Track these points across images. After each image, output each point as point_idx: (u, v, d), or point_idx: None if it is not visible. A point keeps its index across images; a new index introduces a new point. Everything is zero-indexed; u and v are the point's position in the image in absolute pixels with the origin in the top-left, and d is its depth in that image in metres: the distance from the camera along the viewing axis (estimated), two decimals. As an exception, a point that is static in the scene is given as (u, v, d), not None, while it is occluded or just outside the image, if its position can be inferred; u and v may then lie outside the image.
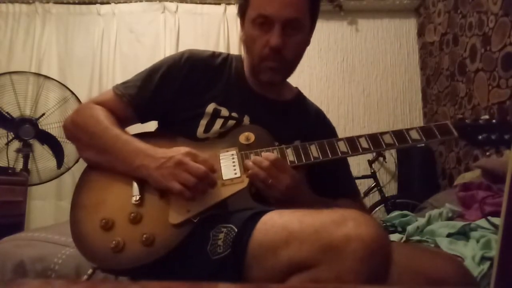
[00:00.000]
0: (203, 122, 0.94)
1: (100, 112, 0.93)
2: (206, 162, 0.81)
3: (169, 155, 0.81)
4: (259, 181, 0.83)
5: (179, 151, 0.81)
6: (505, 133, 0.85)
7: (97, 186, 0.87)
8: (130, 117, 0.98)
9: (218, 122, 0.95)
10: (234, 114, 0.96)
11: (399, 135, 0.89)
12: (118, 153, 0.85)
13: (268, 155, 0.85)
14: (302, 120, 1.07)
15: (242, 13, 0.98)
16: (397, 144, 0.88)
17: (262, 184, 0.83)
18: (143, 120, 1.01)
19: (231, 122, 0.95)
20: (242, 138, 0.93)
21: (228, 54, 1.06)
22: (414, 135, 0.88)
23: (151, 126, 1.06)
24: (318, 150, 0.89)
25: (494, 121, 0.88)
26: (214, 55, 1.03)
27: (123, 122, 0.95)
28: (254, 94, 1.02)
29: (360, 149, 0.88)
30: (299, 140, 0.99)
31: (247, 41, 0.97)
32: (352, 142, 0.89)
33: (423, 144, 0.87)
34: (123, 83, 1.00)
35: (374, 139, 0.89)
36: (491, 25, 2.32)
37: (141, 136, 0.94)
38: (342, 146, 0.89)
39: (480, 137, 0.87)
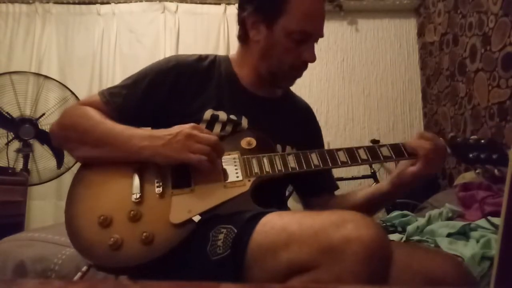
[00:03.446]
0: (202, 126, 0.94)
1: (89, 109, 0.92)
2: (210, 133, 0.84)
3: (176, 131, 0.82)
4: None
5: (185, 126, 0.83)
6: (494, 153, 0.91)
7: (95, 182, 0.86)
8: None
9: (217, 127, 0.95)
10: (232, 117, 0.96)
11: (396, 148, 0.93)
12: (115, 141, 0.85)
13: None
14: (294, 116, 1.10)
15: (268, 18, 0.94)
16: (394, 157, 0.93)
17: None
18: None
19: (229, 126, 0.95)
20: (244, 143, 0.93)
21: (215, 56, 1.06)
22: (410, 149, 0.93)
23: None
24: (319, 158, 0.91)
25: (482, 141, 0.94)
26: (201, 58, 1.02)
27: None
28: (248, 94, 1.03)
29: (359, 160, 0.91)
30: (293, 138, 1.02)
31: (274, 49, 0.96)
32: (351, 153, 0.92)
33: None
34: (109, 89, 0.98)
35: (373, 151, 0.93)
36: (491, 25, 2.32)
37: None
38: (342, 156, 0.92)
39: (470, 155, 0.93)
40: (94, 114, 0.91)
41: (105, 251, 0.74)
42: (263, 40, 0.97)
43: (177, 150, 0.80)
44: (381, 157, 0.92)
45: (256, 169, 0.88)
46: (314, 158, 0.91)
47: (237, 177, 0.86)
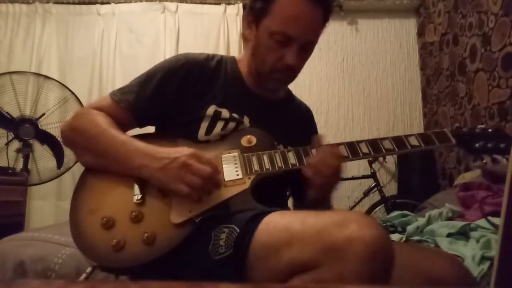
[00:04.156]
0: (204, 125, 0.95)
1: (97, 116, 0.92)
2: (210, 163, 0.81)
3: (173, 156, 0.80)
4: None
5: (183, 152, 0.80)
6: (501, 142, 0.89)
7: (98, 185, 0.87)
8: (129, 122, 0.98)
9: (219, 124, 0.95)
10: (234, 115, 0.97)
11: (399, 141, 0.92)
12: (117, 155, 0.84)
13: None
14: (295, 117, 1.12)
15: (257, 17, 0.97)
16: (396, 150, 0.91)
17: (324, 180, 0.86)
18: (142, 125, 1.01)
19: (232, 124, 0.96)
20: (244, 141, 0.94)
21: (222, 56, 1.07)
22: (413, 141, 0.92)
23: (151, 128, 1.06)
24: None
25: (489, 130, 0.92)
26: (208, 58, 1.04)
27: (121, 127, 0.95)
28: (252, 94, 1.04)
29: (360, 154, 0.90)
30: (294, 139, 1.01)
31: (259, 48, 0.97)
32: (352, 147, 0.91)
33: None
34: (120, 88, 0.99)
35: (374, 144, 0.92)
36: (491, 25, 2.32)
37: (142, 137, 0.94)
38: (343, 151, 0.91)
39: (477, 145, 0.90)
40: (101, 121, 0.90)
41: (108, 252, 0.75)
42: (253, 39, 0.99)
43: (170, 178, 0.79)
44: (383, 150, 0.91)
45: (256, 166, 0.88)
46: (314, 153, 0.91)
47: (237, 175, 0.86)
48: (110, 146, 0.86)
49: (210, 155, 0.90)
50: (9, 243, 1.32)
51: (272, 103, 1.07)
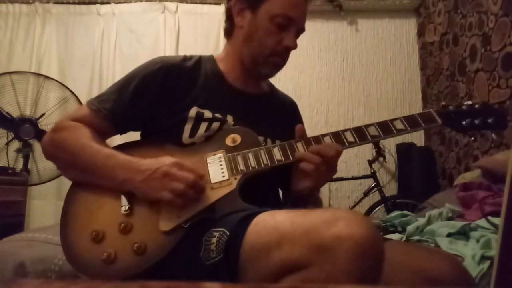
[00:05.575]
0: (188, 127, 0.93)
1: (77, 129, 0.91)
2: (192, 170, 0.81)
3: (155, 167, 0.80)
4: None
5: (164, 162, 0.81)
6: (488, 117, 0.86)
7: (86, 199, 0.86)
8: (108, 131, 0.96)
9: (203, 126, 0.94)
10: (217, 115, 0.96)
11: (384, 126, 0.90)
12: (100, 170, 0.84)
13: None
14: (280, 111, 1.11)
15: (253, 3, 0.98)
16: (382, 135, 0.89)
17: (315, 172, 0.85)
18: (122, 132, 1.00)
19: (215, 124, 0.94)
20: (228, 141, 0.92)
21: (200, 56, 1.06)
22: (399, 125, 0.90)
23: (136, 135, 1.05)
24: (305, 147, 0.90)
25: (476, 105, 0.88)
26: (186, 58, 1.03)
27: (101, 136, 0.94)
28: (234, 91, 1.03)
29: (346, 143, 0.89)
30: (280, 132, 1.01)
31: (256, 33, 0.98)
32: (337, 136, 0.91)
33: (410, 133, 0.89)
34: (97, 97, 0.97)
35: (360, 132, 0.90)
36: (491, 25, 2.32)
37: (127, 146, 0.94)
38: (328, 142, 0.90)
39: (464, 122, 0.88)
40: (82, 135, 0.89)
41: (99, 266, 0.75)
42: (247, 25, 0.99)
43: (153, 188, 0.79)
44: (369, 137, 0.90)
45: (241, 166, 0.87)
46: (300, 147, 0.90)
47: (223, 176, 0.85)
48: (93, 162, 0.85)
49: (196, 158, 0.89)
50: (9, 244, 1.32)
51: (255, 98, 1.06)
